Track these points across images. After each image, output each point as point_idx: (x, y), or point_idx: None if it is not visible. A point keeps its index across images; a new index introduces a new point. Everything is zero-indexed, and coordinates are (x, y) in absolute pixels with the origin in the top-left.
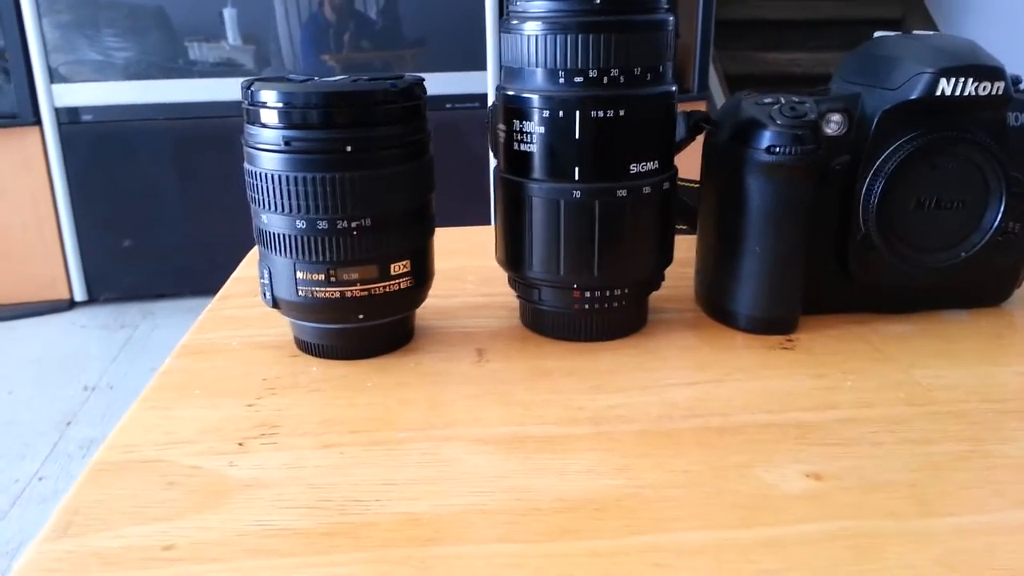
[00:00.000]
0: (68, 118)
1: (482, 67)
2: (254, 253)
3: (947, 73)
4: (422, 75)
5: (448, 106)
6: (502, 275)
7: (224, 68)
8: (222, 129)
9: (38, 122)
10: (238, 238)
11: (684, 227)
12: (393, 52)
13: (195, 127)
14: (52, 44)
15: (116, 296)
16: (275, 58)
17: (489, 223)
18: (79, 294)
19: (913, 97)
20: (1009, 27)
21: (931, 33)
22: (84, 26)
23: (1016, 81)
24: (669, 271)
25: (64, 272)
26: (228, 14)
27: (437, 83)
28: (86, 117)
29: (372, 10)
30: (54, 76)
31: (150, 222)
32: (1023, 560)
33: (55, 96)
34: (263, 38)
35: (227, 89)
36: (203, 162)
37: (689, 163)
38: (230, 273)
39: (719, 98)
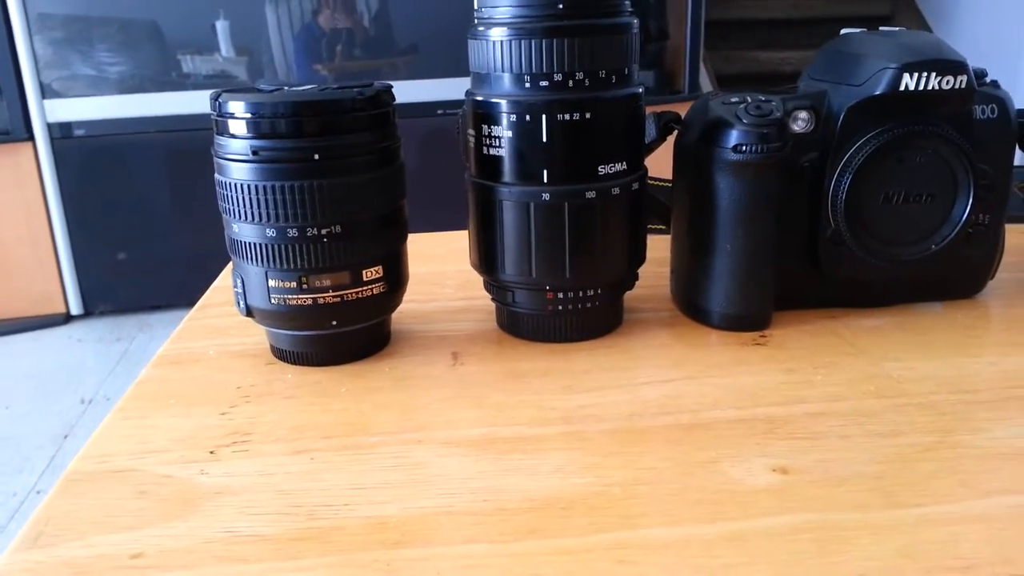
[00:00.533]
0: (61, 133)
1: None
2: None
3: (910, 68)
4: (410, 84)
5: (439, 112)
6: (479, 279)
7: (217, 80)
8: None
9: (31, 138)
10: None
11: (661, 227)
12: (386, 60)
13: (188, 140)
14: (44, 60)
15: (112, 309)
16: (268, 69)
17: None
18: (75, 308)
19: (878, 92)
20: (998, 22)
21: (896, 29)
22: (76, 41)
23: (981, 75)
24: (645, 270)
25: (59, 286)
26: (221, 26)
27: (428, 89)
28: (79, 132)
29: (364, 19)
30: (46, 91)
31: (144, 235)
32: (986, 549)
33: (47, 111)
34: (256, 49)
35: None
36: (196, 174)
37: (665, 163)
38: None
39: None
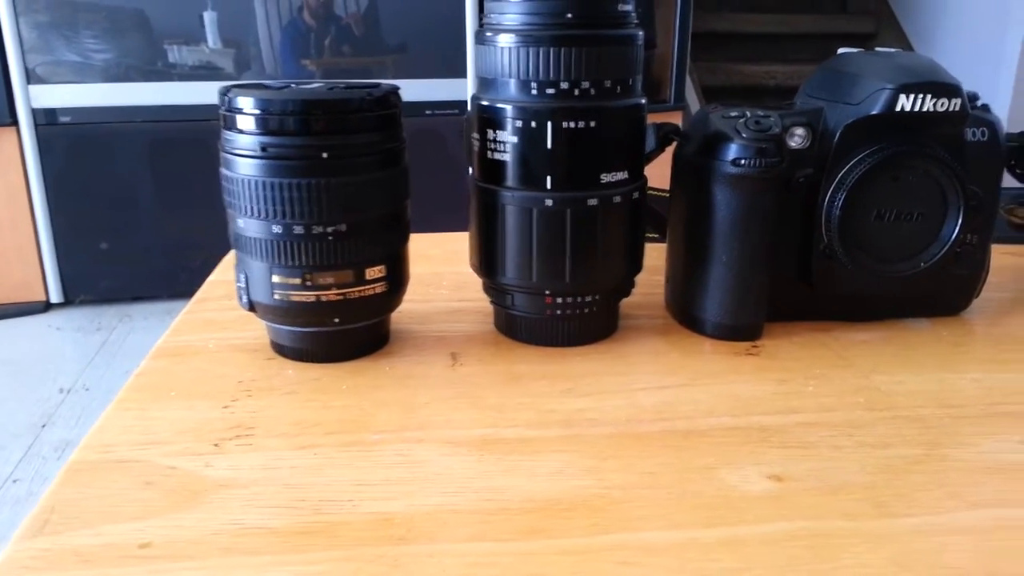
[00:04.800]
0: (45, 119)
1: (462, 74)
2: (231, 257)
3: (907, 89)
4: (398, 83)
5: (427, 112)
6: (477, 281)
7: (203, 72)
8: (200, 132)
9: (15, 123)
10: (215, 241)
11: (655, 235)
12: (373, 58)
13: (173, 130)
14: (29, 44)
15: (92, 298)
16: (255, 62)
17: (466, 229)
18: (55, 296)
19: (874, 112)
20: (978, 42)
21: (893, 50)
22: (62, 27)
23: (973, 98)
24: (640, 278)
25: (40, 274)
26: (208, 17)
27: (416, 90)
28: (64, 119)
29: (352, 16)
30: (31, 77)
31: (127, 224)
32: (974, 559)
33: (32, 97)
34: (243, 42)
35: (206, 93)
36: (181, 165)
37: (660, 173)
38: (206, 276)
39: (695, 109)
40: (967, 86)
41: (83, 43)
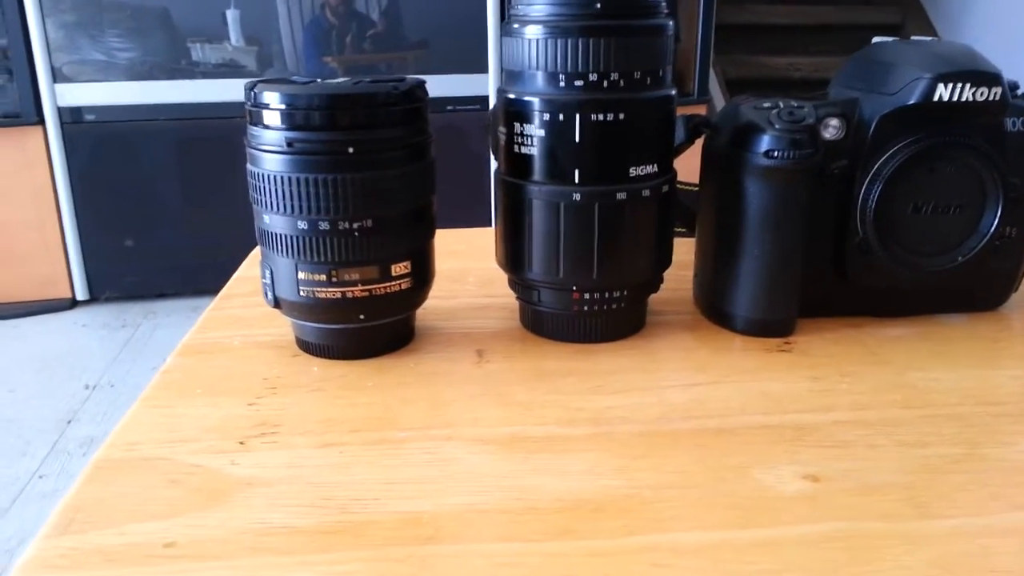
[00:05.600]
0: (71, 118)
1: (483, 69)
2: (256, 253)
3: (944, 78)
4: (423, 77)
5: (449, 108)
6: (502, 276)
7: (226, 69)
8: (224, 130)
9: (41, 121)
10: (239, 238)
11: (683, 230)
12: (395, 54)
13: (197, 128)
14: (55, 44)
15: (117, 295)
16: (277, 60)
17: (490, 225)
18: (81, 293)
19: (911, 102)
20: (1008, 31)
21: (929, 39)
22: (88, 26)
23: (1014, 87)
24: (668, 273)
25: (66, 271)
26: (231, 15)
27: (438, 85)
28: (89, 117)
29: (374, 12)
30: (57, 76)
31: (152, 222)
32: (1019, 562)
33: (58, 96)
34: (265, 39)
35: (229, 90)
36: (205, 162)
37: (689, 166)
38: (231, 273)
39: (719, 102)
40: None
41: (108, 42)
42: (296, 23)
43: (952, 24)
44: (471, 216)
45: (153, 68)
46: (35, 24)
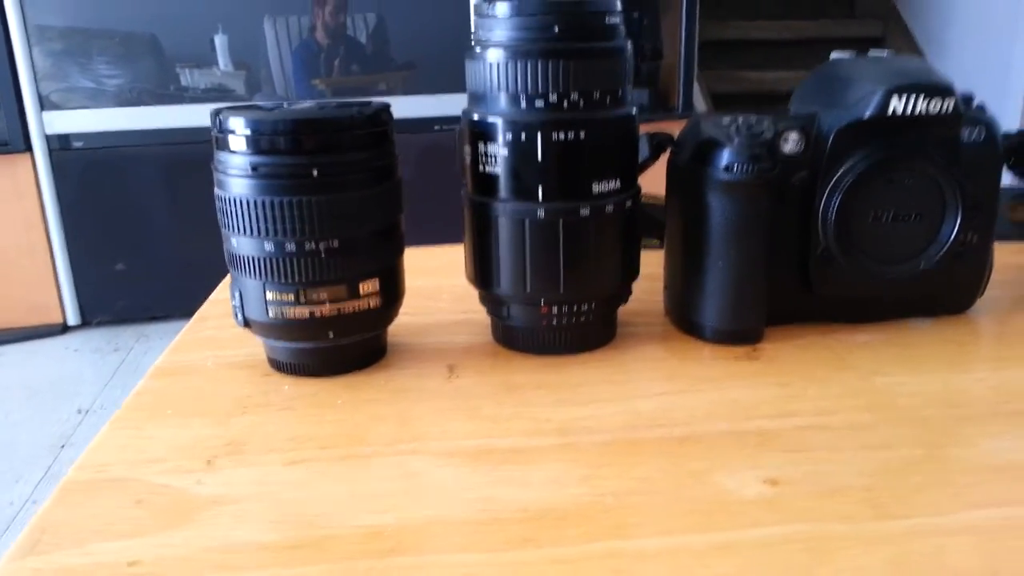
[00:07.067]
0: (59, 145)
1: None
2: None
3: (898, 91)
4: (408, 99)
5: (436, 128)
6: (475, 292)
7: (215, 94)
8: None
9: (29, 149)
10: None
11: (655, 241)
12: (383, 75)
13: (186, 152)
14: (43, 72)
15: (109, 319)
16: (266, 84)
17: None
18: (72, 318)
19: (866, 115)
20: (988, 44)
21: (884, 55)
22: (75, 54)
23: (968, 99)
24: (640, 285)
25: (57, 296)
26: (219, 40)
27: (425, 105)
28: (77, 144)
29: (362, 35)
30: (45, 103)
31: (142, 246)
32: (974, 560)
33: (46, 123)
34: (254, 64)
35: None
36: (194, 186)
37: (659, 180)
38: None
39: None
40: (976, 89)
41: (96, 69)
42: (284, 47)
43: (932, 37)
44: (456, 234)
45: (141, 94)
46: (21, 52)
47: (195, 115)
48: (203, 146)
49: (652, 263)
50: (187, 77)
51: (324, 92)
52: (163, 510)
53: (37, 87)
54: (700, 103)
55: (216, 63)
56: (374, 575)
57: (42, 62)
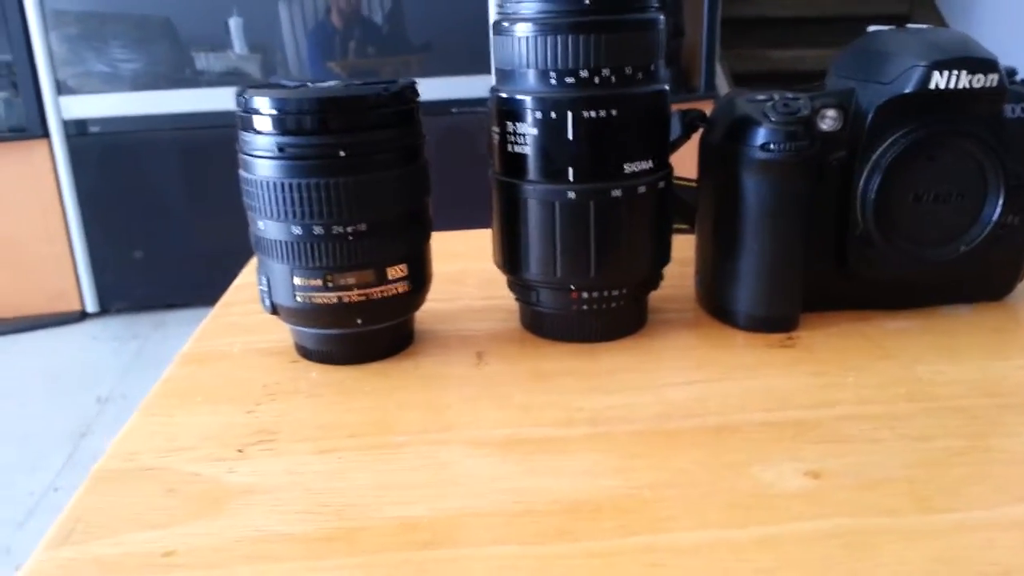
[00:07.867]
0: (76, 130)
1: (486, 71)
2: (255, 260)
3: (940, 66)
4: (424, 81)
5: (453, 110)
6: (502, 278)
7: (231, 77)
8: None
9: (46, 135)
10: (248, 247)
11: (684, 226)
12: (399, 57)
13: (203, 136)
14: (59, 57)
15: (127, 307)
16: (281, 66)
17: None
18: (91, 306)
19: (907, 91)
20: (1017, 19)
21: (924, 27)
22: (91, 38)
23: (1011, 73)
24: (670, 271)
25: (75, 284)
26: (234, 23)
27: (442, 88)
28: (94, 129)
29: (377, 16)
30: (62, 88)
31: (160, 232)
32: (1022, 556)
33: (63, 108)
34: (269, 47)
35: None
36: (211, 171)
37: (689, 162)
38: None
39: None
40: (1006, 64)
41: (112, 53)
42: (299, 29)
43: (959, 13)
44: (477, 218)
45: (157, 78)
46: (38, 37)
47: (211, 99)
48: (219, 131)
49: (682, 248)
50: (202, 61)
51: (340, 75)
52: (195, 499)
53: (54, 72)
54: (722, 83)
55: (231, 46)
56: (410, 568)
57: (58, 47)
